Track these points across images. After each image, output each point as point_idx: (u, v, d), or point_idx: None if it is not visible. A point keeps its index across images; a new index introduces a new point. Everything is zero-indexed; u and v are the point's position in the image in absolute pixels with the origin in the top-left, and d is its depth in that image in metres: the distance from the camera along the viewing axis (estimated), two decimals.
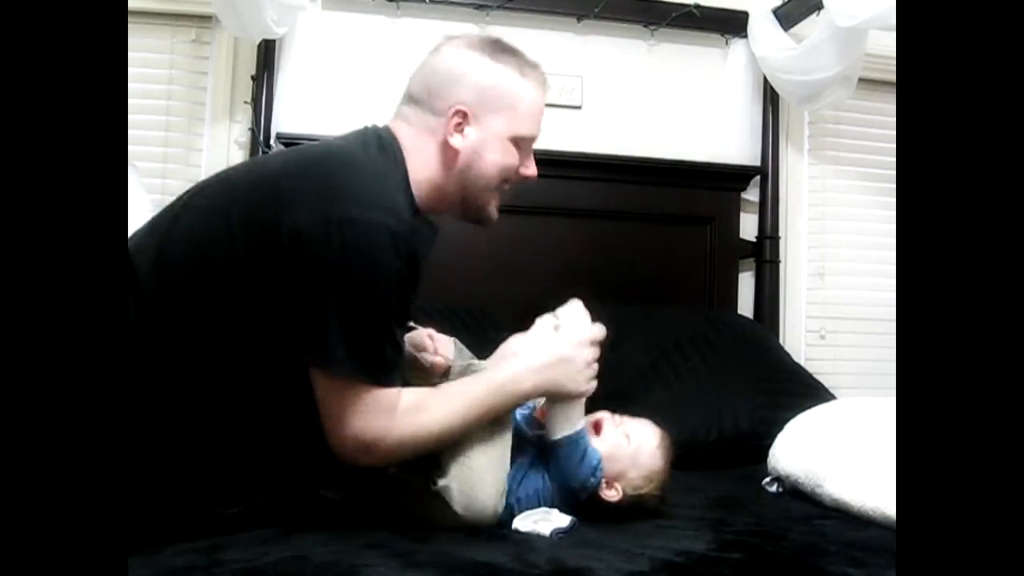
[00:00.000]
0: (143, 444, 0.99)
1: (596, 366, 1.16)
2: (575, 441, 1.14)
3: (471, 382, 1.11)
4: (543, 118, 1.20)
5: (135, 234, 1.11)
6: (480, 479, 1.08)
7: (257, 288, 1.01)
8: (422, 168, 1.13)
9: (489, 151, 1.14)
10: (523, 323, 1.25)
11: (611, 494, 1.15)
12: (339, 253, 0.98)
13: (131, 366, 0.96)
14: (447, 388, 1.10)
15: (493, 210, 1.21)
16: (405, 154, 1.13)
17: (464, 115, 1.12)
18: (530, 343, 1.16)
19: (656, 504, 1.20)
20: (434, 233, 1.18)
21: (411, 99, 1.17)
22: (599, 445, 1.17)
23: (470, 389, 1.10)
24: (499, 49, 1.16)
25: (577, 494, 1.15)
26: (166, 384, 1.01)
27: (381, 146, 1.12)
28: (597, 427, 1.21)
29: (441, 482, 1.06)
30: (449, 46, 1.17)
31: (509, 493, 1.11)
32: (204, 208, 1.09)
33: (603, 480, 1.16)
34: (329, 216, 0.98)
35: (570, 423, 1.15)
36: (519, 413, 1.21)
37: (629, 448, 1.19)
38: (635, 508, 1.18)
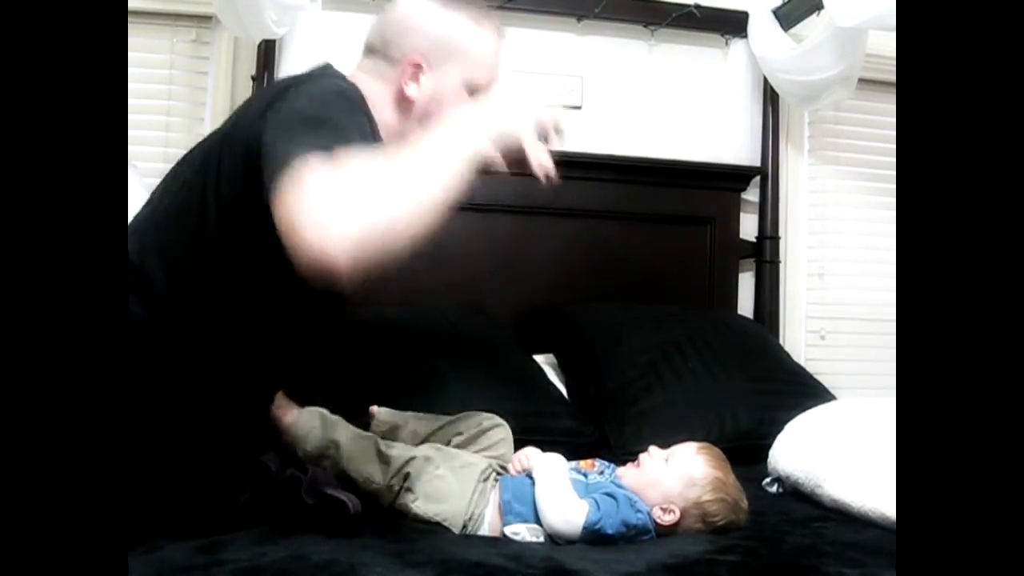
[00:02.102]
0: (147, 434, 1.01)
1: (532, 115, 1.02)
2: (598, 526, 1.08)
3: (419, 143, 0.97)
4: (499, 67, 1.19)
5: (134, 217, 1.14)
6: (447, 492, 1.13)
7: (245, 214, 0.97)
8: (379, 116, 1.12)
9: (444, 99, 1.14)
10: (522, 323, 1.25)
11: (668, 518, 1.13)
12: (299, 101, 0.97)
13: (137, 356, 0.96)
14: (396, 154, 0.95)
15: None
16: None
17: (418, 64, 1.13)
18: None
19: (723, 512, 1.14)
20: None
21: (368, 49, 1.18)
22: (638, 478, 1.16)
23: (419, 145, 0.95)
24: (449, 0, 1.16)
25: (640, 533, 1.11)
26: (173, 369, 1.03)
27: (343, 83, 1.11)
28: (637, 464, 1.20)
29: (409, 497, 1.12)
30: None
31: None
32: (177, 169, 1.13)
33: (654, 509, 1.13)
34: (286, 92, 1.00)
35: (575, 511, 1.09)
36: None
37: (670, 468, 1.17)
38: (706, 521, 1.14)
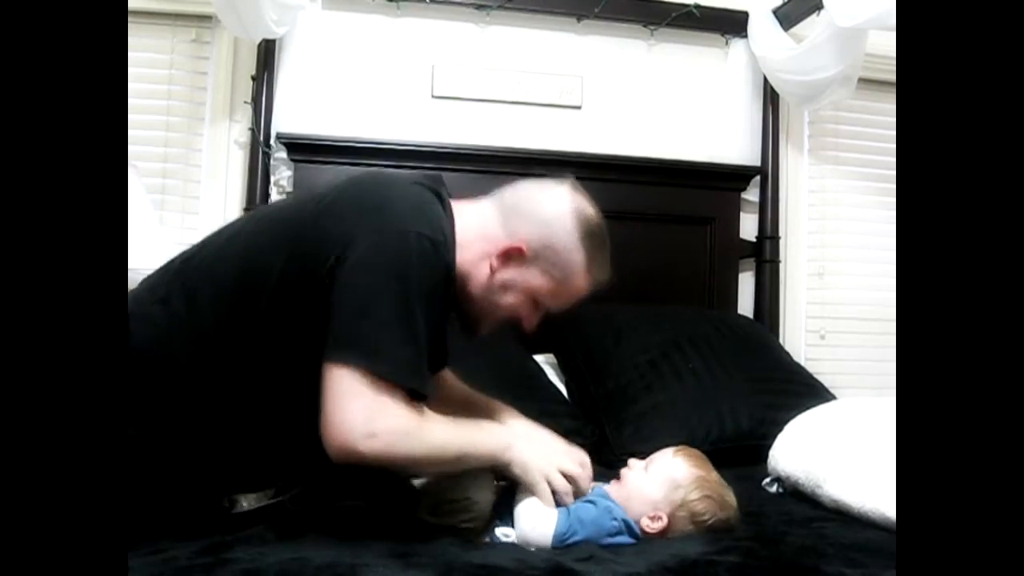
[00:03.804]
0: (147, 438, 1.02)
1: (565, 472, 1.13)
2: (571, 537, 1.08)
3: (475, 428, 1.12)
4: (574, 304, 1.20)
5: (184, 252, 1.17)
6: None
7: (302, 301, 1.03)
8: (462, 254, 1.12)
9: (512, 293, 1.15)
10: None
11: (657, 525, 1.12)
12: (381, 256, 1.01)
13: (167, 369, 1.04)
14: (457, 421, 1.10)
15: (484, 331, 1.21)
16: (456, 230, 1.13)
17: (519, 252, 1.13)
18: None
19: (711, 510, 1.14)
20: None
21: (499, 199, 1.18)
22: (621, 491, 1.16)
23: (471, 433, 1.10)
24: (591, 235, 1.15)
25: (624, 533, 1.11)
26: (198, 383, 1.05)
27: (439, 200, 1.13)
28: (619, 478, 1.20)
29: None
30: (564, 194, 1.18)
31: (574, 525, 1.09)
32: (255, 231, 1.12)
33: (642, 519, 1.13)
34: (377, 228, 1.02)
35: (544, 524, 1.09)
36: None
37: (650, 476, 1.16)
38: (695, 522, 1.14)
